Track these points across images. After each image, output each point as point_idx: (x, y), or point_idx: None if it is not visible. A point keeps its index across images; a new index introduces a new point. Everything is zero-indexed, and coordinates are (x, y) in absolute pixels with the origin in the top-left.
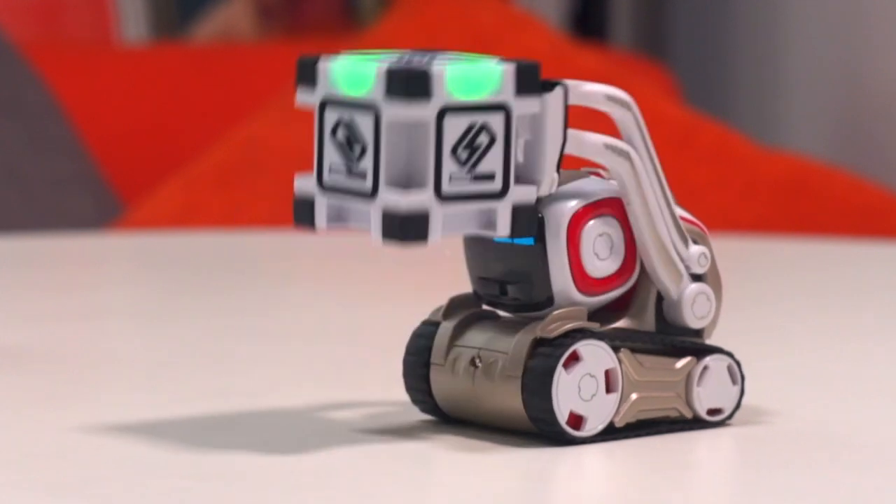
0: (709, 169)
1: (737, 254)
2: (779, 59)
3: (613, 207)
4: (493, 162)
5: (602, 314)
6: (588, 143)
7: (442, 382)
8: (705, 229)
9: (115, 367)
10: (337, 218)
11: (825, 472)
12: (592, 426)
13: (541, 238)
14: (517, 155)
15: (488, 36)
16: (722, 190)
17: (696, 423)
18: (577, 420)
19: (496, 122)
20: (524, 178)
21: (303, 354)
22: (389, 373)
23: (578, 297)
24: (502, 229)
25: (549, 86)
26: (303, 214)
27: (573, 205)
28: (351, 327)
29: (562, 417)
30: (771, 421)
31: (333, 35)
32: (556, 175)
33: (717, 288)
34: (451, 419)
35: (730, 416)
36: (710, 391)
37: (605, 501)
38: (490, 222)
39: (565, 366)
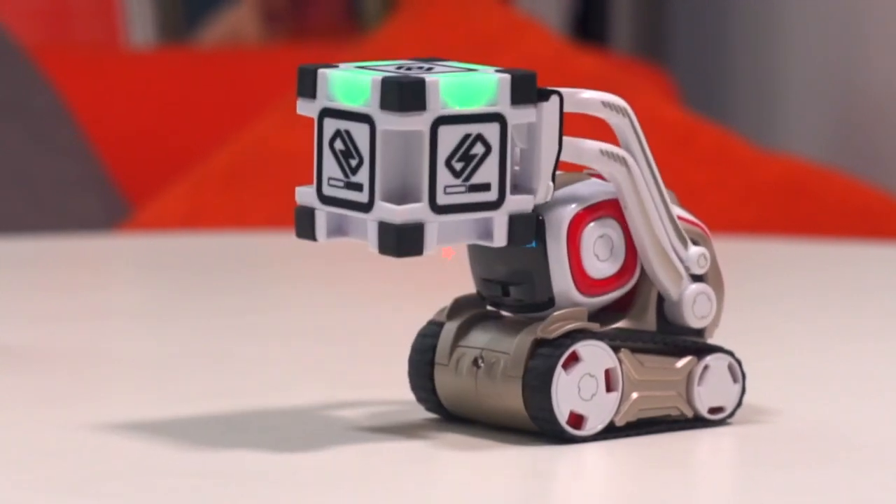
0: (708, 171)
1: (736, 254)
2: (777, 63)
3: (613, 209)
4: (488, 172)
5: (604, 314)
6: (585, 149)
7: (446, 382)
8: (706, 230)
9: (120, 367)
10: (337, 230)
11: (825, 471)
12: (593, 425)
13: (542, 240)
14: (513, 163)
15: (490, 40)
16: (721, 191)
17: (696, 422)
18: (577, 419)
19: (492, 132)
20: (520, 187)
21: (307, 354)
22: (394, 372)
23: (579, 297)
24: (499, 239)
25: (544, 95)
26: (304, 227)
27: (573, 207)
28: (355, 328)
29: (562, 417)
30: (771, 420)
31: (338, 39)
32: (551, 184)
33: (718, 288)
34: (454, 417)
35: (731, 415)
36: (711, 390)
37: (605, 499)
38: (487, 232)
39: (565, 366)
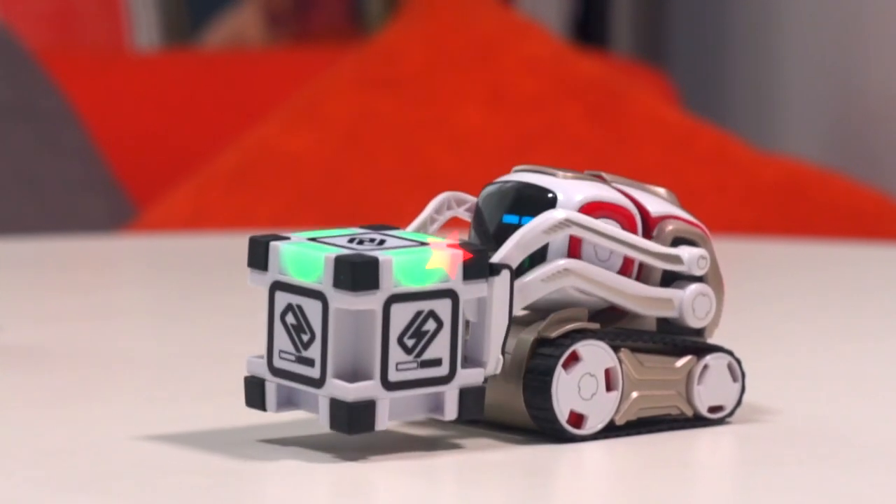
0: (708, 172)
1: (735, 255)
2: (775, 66)
3: (616, 212)
4: (439, 348)
5: (604, 314)
6: (529, 288)
7: None
8: (706, 231)
9: (127, 366)
10: (287, 402)
11: (824, 469)
12: (593, 424)
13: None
14: (463, 336)
15: (491, 43)
16: (720, 193)
17: (696, 421)
18: (577, 418)
19: (443, 308)
20: (470, 360)
21: None
22: None
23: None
24: (450, 413)
25: (495, 269)
26: (253, 398)
27: (580, 199)
28: None
29: (562, 416)
30: (770, 419)
31: (341, 42)
32: (500, 357)
33: (717, 288)
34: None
35: (730, 414)
36: (711, 389)
37: (606, 498)
38: (438, 406)
39: (564, 366)
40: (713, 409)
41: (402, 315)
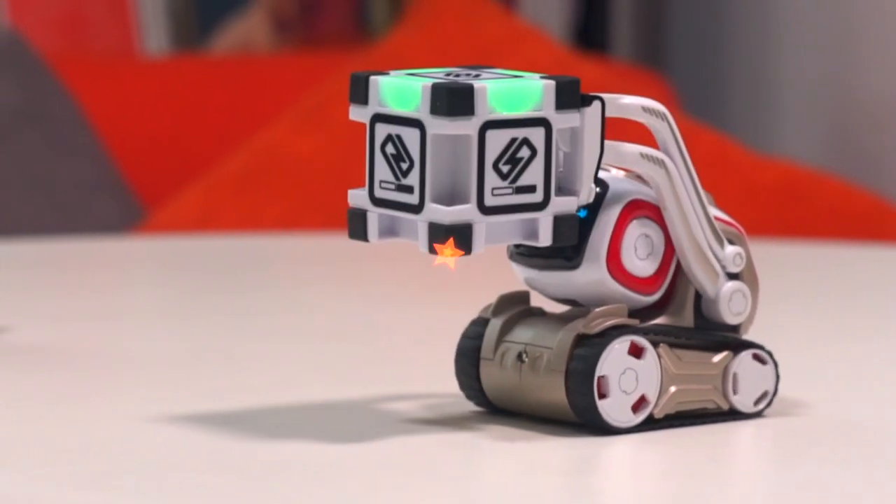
0: (706, 175)
1: None
2: (773, 70)
3: (659, 215)
4: (534, 174)
5: (643, 311)
6: (625, 152)
7: (491, 376)
8: (742, 230)
9: (135, 366)
10: (388, 231)
11: (825, 466)
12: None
13: (594, 208)
14: (557, 166)
15: (494, 48)
16: (719, 195)
17: (732, 415)
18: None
19: (537, 136)
20: (564, 189)
21: (333, 352)
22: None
23: (605, 273)
24: (544, 239)
25: (587, 100)
26: (356, 229)
27: (630, 195)
28: (371, 327)
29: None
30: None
31: (346, 47)
32: (593, 186)
33: (753, 286)
34: (499, 410)
35: (766, 407)
36: (746, 383)
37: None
38: (532, 232)
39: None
40: (750, 403)
41: (497, 141)
